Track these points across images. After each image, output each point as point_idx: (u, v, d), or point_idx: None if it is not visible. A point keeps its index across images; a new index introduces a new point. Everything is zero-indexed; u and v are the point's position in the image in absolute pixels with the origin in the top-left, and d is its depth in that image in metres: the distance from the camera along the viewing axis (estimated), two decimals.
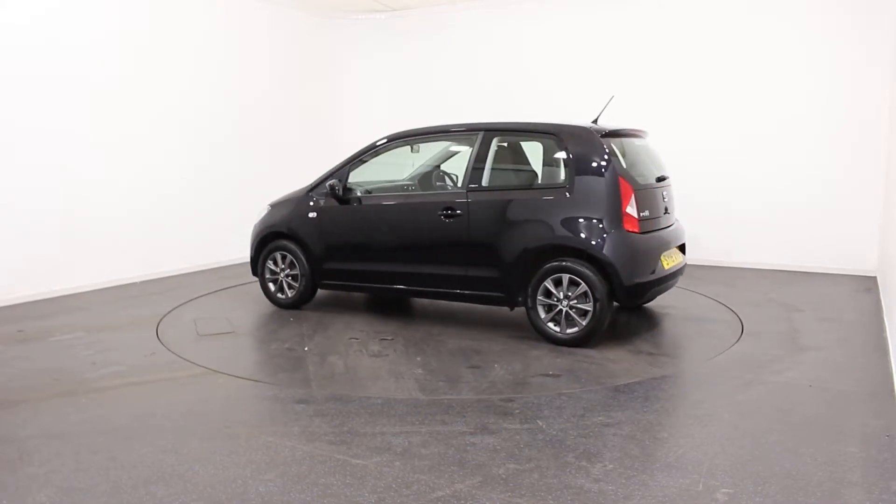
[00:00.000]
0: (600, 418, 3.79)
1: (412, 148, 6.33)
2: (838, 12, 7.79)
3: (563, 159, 5.28)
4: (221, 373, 4.60)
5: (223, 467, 3.20)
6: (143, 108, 7.72)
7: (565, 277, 5.08)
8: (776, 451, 3.34)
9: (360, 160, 6.16)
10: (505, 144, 5.67)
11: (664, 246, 5.40)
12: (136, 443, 3.47)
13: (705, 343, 5.27)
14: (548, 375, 4.51)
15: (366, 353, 5.07)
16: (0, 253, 6.44)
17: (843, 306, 6.40)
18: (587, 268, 5.02)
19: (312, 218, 6.24)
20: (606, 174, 5.07)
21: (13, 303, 6.51)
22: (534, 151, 5.69)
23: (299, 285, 6.35)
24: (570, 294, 5.08)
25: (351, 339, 5.48)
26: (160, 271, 7.95)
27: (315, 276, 6.28)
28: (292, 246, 6.36)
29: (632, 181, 5.17)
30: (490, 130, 5.64)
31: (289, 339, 5.48)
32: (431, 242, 5.66)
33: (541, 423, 3.69)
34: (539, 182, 5.51)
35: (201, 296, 6.99)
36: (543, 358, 4.89)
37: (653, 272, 5.19)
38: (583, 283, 5.02)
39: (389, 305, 6.63)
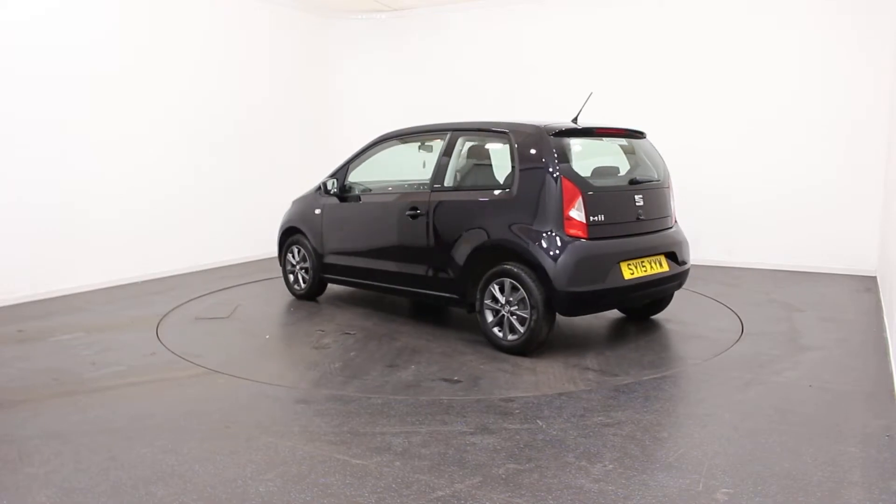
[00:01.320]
0: (600, 418, 3.79)
1: (421, 146, 6.33)
2: (838, 12, 7.79)
3: (511, 159, 5.09)
4: (221, 373, 4.60)
5: (223, 467, 3.20)
6: (143, 109, 7.72)
7: (507, 282, 4.92)
8: (776, 451, 3.34)
9: (358, 159, 6.38)
10: (468, 145, 5.63)
11: (630, 254, 4.98)
12: (136, 443, 3.47)
13: (705, 343, 5.27)
14: (446, 380, 4.46)
15: (311, 345, 5.27)
16: (0, 253, 6.44)
17: (843, 306, 6.40)
18: (527, 273, 4.81)
19: (317, 214, 6.61)
20: (549, 175, 4.81)
21: (13, 303, 6.51)
22: (495, 152, 5.62)
23: (309, 278, 6.74)
24: (511, 300, 4.92)
25: (318, 330, 5.71)
26: (160, 271, 7.95)
27: (319, 270, 6.64)
28: (304, 240, 6.76)
29: (581, 183, 4.85)
30: (456, 130, 5.63)
31: (268, 327, 5.88)
32: (401, 241, 5.75)
33: (541, 423, 3.69)
34: (491, 183, 5.34)
35: (201, 296, 6.99)
36: (469, 363, 4.80)
37: (600, 281, 4.78)
38: (521, 289, 4.84)
39: (397, 302, 6.63)
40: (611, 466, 3.19)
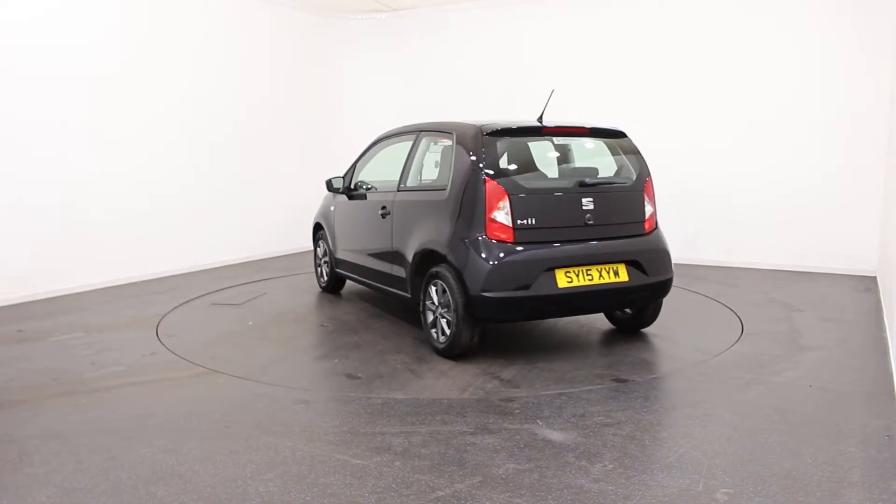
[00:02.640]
0: (600, 418, 3.79)
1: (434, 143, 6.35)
2: (838, 12, 7.79)
3: (449, 160, 5.03)
4: (221, 373, 4.60)
5: (223, 467, 3.20)
6: (143, 109, 7.72)
7: (439, 284, 4.86)
8: (776, 451, 3.34)
9: (364, 157, 6.56)
10: (425, 145, 5.64)
11: (568, 260, 4.67)
12: (136, 443, 3.47)
13: (705, 343, 5.27)
14: (349, 376, 4.54)
15: (265, 335, 5.59)
16: (0, 253, 6.44)
17: (843, 306, 6.40)
18: (451, 275, 4.70)
19: (332, 211, 6.90)
20: (475, 176, 4.68)
21: (13, 303, 6.51)
22: (443, 152, 5.49)
23: (329, 271, 7.05)
24: (442, 301, 4.85)
25: (296, 320, 6.10)
26: (160, 271, 7.95)
27: (333, 265, 6.94)
28: (325, 236, 7.06)
29: (509, 185, 4.64)
30: (421, 131, 5.66)
31: (262, 316, 6.16)
32: (374, 239, 5.90)
33: (541, 423, 3.69)
34: (435, 184, 5.26)
35: (202, 295, 6.99)
36: (392, 362, 4.83)
37: (525, 288, 4.53)
38: (447, 292, 4.76)
39: (403, 299, 6.65)
40: (611, 466, 3.18)
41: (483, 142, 4.81)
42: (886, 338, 5.24)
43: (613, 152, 5.37)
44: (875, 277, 7.62)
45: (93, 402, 4.06)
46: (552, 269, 4.63)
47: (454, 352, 4.82)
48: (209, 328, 5.83)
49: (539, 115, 5.41)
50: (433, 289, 4.94)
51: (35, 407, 3.98)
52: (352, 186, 6.50)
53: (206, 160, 8.55)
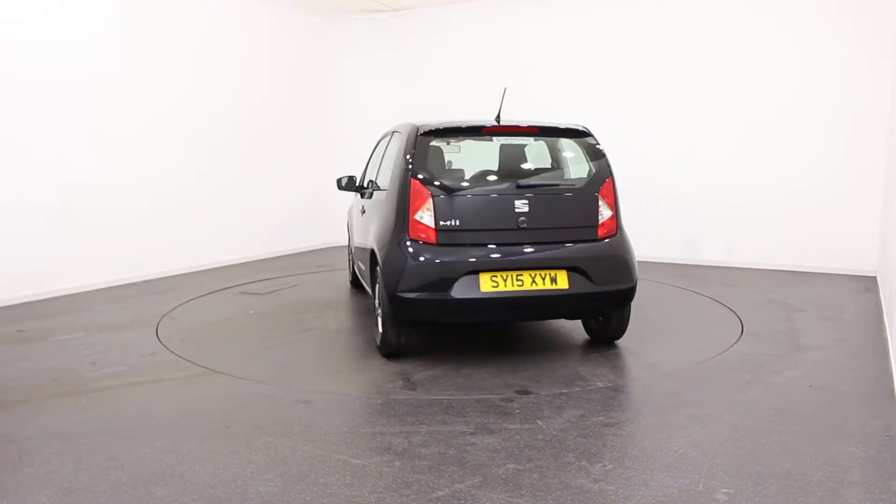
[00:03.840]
0: (600, 418, 3.79)
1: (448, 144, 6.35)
2: (838, 12, 7.79)
3: (391, 160, 5.06)
4: (221, 373, 4.60)
5: (223, 467, 3.20)
6: (144, 109, 7.72)
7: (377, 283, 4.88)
8: (776, 451, 3.34)
9: (372, 155, 6.64)
10: (389, 144, 5.66)
11: (494, 264, 4.49)
12: (136, 443, 3.47)
13: (705, 343, 5.27)
14: (276, 365, 4.80)
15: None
16: (0, 253, 6.44)
17: (843, 306, 6.40)
18: (380, 275, 4.71)
19: (352, 208, 7.06)
20: (404, 176, 4.66)
21: (13, 303, 6.51)
22: (397, 151, 5.61)
23: (350, 267, 7.29)
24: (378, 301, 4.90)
25: (294, 312, 6.35)
26: (160, 271, 7.95)
27: (352, 262, 7.15)
28: (348, 231, 7.31)
29: (433, 185, 4.58)
30: (395, 131, 5.64)
31: (272, 309, 6.45)
32: (359, 237, 6.04)
33: (541, 423, 3.69)
34: (385, 183, 5.24)
35: (201, 295, 6.99)
36: (335, 354, 5.08)
37: (443, 290, 4.42)
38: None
39: None
40: (611, 466, 3.18)
41: (416, 142, 4.76)
42: (886, 338, 5.24)
43: (568, 152, 5.21)
44: (875, 277, 7.62)
45: (93, 402, 4.06)
46: (476, 272, 4.46)
47: (385, 350, 4.85)
48: (210, 328, 5.82)
49: (497, 115, 5.26)
50: (377, 288, 4.96)
51: (35, 407, 3.98)
52: (364, 184, 6.46)
53: (206, 160, 8.55)
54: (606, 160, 4.99)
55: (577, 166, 5.14)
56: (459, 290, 4.42)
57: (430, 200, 4.54)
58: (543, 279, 4.53)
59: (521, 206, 4.59)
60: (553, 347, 5.18)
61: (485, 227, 4.58)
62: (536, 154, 5.32)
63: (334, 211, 10.09)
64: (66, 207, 6.96)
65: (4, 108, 6.43)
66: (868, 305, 6.41)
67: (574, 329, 5.67)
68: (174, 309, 6.41)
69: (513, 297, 4.47)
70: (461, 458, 3.27)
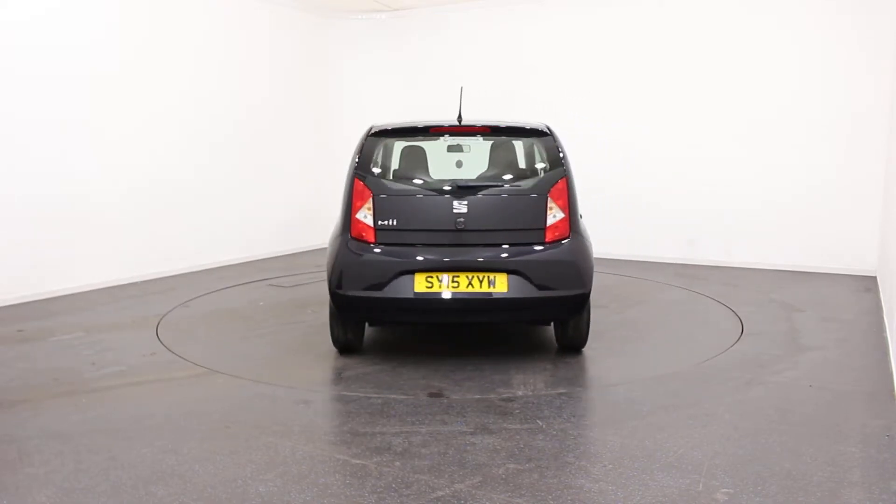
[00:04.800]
0: (600, 418, 3.79)
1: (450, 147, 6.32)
2: (838, 12, 7.79)
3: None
4: (221, 373, 4.60)
5: (223, 467, 3.20)
6: (144, 109, 7.72)
7: None
8: (776, 451, 3.34)
9: None
10: None
11: (429, 265, 4.47)
12: (136, 443, 3.47)
13: (705, 343, 5.27)
14: (240, 355, 5.01)
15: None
16: (0, 253, 6.44)
17: (843, 306, 6.40)
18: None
19: None
20: (350, 175, 4.73)
21: (13, 303, 6.51)
22: None
23: None
24: None
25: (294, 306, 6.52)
26: (160, 271, 7.95)
27: None
28: None
29: (374, 185, 4.62)
30: None
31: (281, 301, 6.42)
32: None
33: (541, 423, 3.69)
34: None
35: (201, 295, 6.99)
36: (298, 348, 5.20)
37: (378, 289, 4.45)
38: None
39: None
40: (611, 466, 3.19)
41: (365, 142, 4.84)
42: (886, 338, 5.24)
43: (524, 152, 5.12)
44: (875, 277, 7.62)
45: (93, 402, 4.06)
46: (411, 272, 4.45)
47: (337, 346, 4.95)
48: (210, 328, 5.82)
49: (458, 115, 5.22)
50: None
51: (35, 407, 3.98)
52: None
53: (206, 160, 8.55)
54: (564, 161, 4.79)
55: (530, 167, 5.04)
56: (393, 290, 4.44)
57: (371, 200, 4.59)
58: (481, 282, 4.46)
59: (460, 206, 4.54)
60: (536, 349, 5.17)
61: (422, 228, 4.57)
62: (490, 154, 5.22)
63: (335, 211, 10.06)
64: (67, 207, 6.96)
65: (4, 108, 6.43)
66: (868, 305, 6.41)
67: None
68: (174, 309, 6.41)
69: (447, 299, 4.44)
70: (461, 458, 3.27)
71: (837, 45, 7.80)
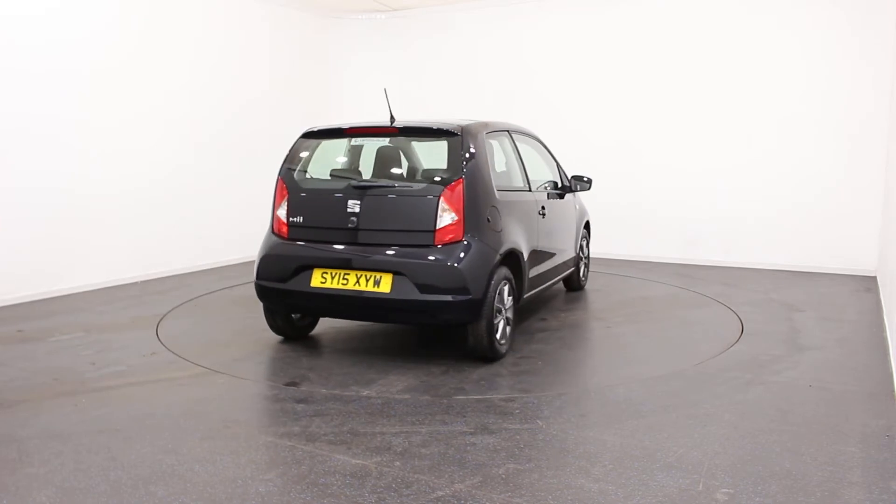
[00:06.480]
0: (600, 418, 3.79)
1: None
2: (837, 13, 7.79)
3: None
4: (221, 373, 4.60)
5: (223, 467, 3.20)
6: (142, 109, 7.72)
7: None
8: (776, 451, 3.34)
9: None
10: None
11: (324, 262, 4.66)
12: (136, 443, 3.47)
13: (705, 343, 5.27)
14: (204, 343, 5.11)
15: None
16: (0, 253, 6.44)
17: (843, 306, 6.40)
18: None
19: None
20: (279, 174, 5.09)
21: (13, 303, 6.51)
22: None
23: None
24: None
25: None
26: (160, 271, 7.95)
27: None
28: None
29: (291, 183, 4.92)
30: None
31: None
32: None
33: (541, 423, 3.69)
34: None
35: (201, 295, 6.99)
36: (260, 336, 5.43)
37: (283, 281, 4.76)
38: None
39: None
40: (611, 466, 3.19)
41: (296, 143, 5.18)
42: (886, 338, 5.24)
43: (432, 153, 5.14)
44: (875, 277, 7.63)
45: (93, 402, 4.06)
46: (311, 267, 4.72)
47: (277, 334, 5.29)
48: (210, 328, 5.83)
49: (390, 116, 5.25)
50: None
51: (35, 407, 3.98)
52: None
53: (205, 160, 8.55)
54: (467, 163, 4.65)
55: (433, 168, 5.02)
56: (295, 283, 4.76)
57: (286, 198, 4.92)
58: (367, 281, 4.55)
59: (353, 206, 4.68)
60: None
61: (322, 226, 4.81)
62: (400, 155, 5.24)
63: None
64: (67, 207, 6.95)
65: (5, 108, 6.42)
66: (868, 305, 6.41)
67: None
68: (174, 309, 6.41)
69: (336, 295, 4.63)
70: (461, 458, 3.27)
71: (838, 46, 7.80)
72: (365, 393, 4.20)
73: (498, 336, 4.72)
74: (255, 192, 9.34)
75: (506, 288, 4.78)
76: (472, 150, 4.73)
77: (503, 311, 4.76)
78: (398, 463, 3.23)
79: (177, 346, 5.21)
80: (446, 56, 10.15)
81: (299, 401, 4.08)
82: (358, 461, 3.25)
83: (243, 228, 9.13)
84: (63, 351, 5.09)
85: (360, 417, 3.81)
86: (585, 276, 7.31)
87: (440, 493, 2.94)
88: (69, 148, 6.98)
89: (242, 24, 9.05)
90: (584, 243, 7.18)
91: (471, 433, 3.57)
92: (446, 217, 4.51)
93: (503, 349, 4.82)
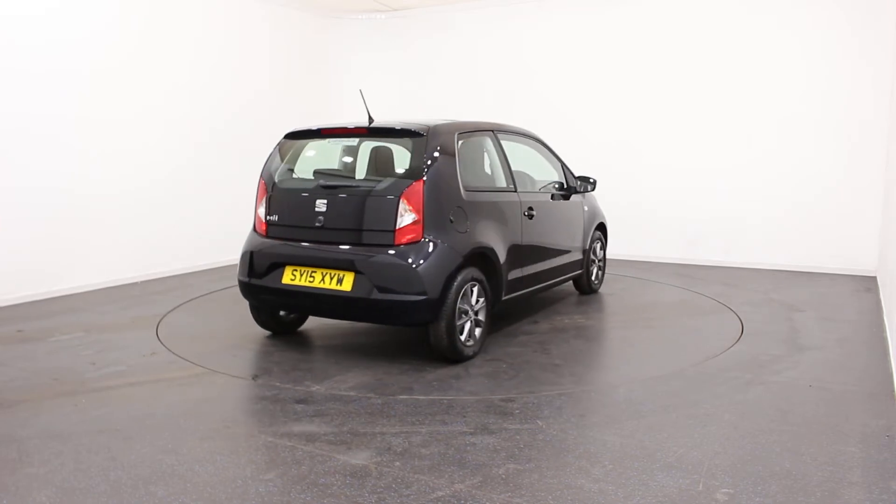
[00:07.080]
0: (600, 418, 3.79)
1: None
2: (837, 13, 7.79)
3: None
4: (221, 373, 4.60)
5: (223, 467, 3.20)
6: (142, 109, 7.71)
7: None
8: (776, 451, 3.34)
9: None
10: None
11: (293, 259, 4.82)
12: (136, 443, 3.47)
13: (705, 343, 5.27)
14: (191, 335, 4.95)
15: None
16: (0, 253, 6.43)
17: (843, 306, 6.40)
18: None
19: None
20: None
21: (13, 303, 6.51)
22: None
23: None
24: None
25: None
26: (160, 271, 7.95)
27: None
28: None
29: (270, 183, 5.12)
30: None
31: None
32: None
33: (541, 423, 3.69)
34: None
35: (201, 295, 6.99)
36: (248, 332, 5.57)
37: (260, 277, 4.96)
38: None
39: None
40: (611, 466, 3.19)
41: (278, 143, 5.32)
42: (886, 338, 5.24)
43: (399, 154, 5.15)
44: (875, 277, 7.63)
45: (93, 402, 4.06)
46: (284, 264, 4.87)
47: (263, 329, 5.46)
48: (210, 328, 5.83)
49: (368, 117, 5.34)
50: None
51: (35, 407, 3.98)
52: None
53: (205, 160, 8.55)
54: (429, 163, 4.64)
55: (397, 168, 5.00)
56: (269, 280, 4.92)
57: (265, 197, 5.10)
58: (332, 279, 4.65)
59: (321, 205, 4.80)
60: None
61: (294, 224, 4.95)
62: (368, 155, 5.23)
63: None
64: (67, 207, 6.95)
65: (5, 107, 6.42)
66: (868, 305, 6.41)
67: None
68: (174, 309, 6.41)
69: (303, 293, 4.75)
70: (461, 458, 3.27)
71: (839, 47, 7.80)
72: (315, 388, 4.27)
73: (463, 337, 4.70)
74: (255, 192, 9.33)
75: (474, 289, 4.76)
76: (437, 151, 4.73)
77: (469, 313, 4.73)
78: (398, 463, 3.23)
79: (177, 346, 5.21)
80: (446, 56, 10.15)
81: (299, 401, 4.08)
82: (358, 461, 3.25)
83: (243, 228, 9.11)
84: (63, 351, 5.09)
85: (360, 417, 3.81)
86: (599, 278, 7.14)
87: (440, 494, 2.94)
88: (69, 148, 6.98)
89: (242, 23, 9.04)
90: (598, 245, 7.04)
91: (471, 433, 3.57)
92: (407, 217, 4.53)
93: (469, 351, 4.77)
